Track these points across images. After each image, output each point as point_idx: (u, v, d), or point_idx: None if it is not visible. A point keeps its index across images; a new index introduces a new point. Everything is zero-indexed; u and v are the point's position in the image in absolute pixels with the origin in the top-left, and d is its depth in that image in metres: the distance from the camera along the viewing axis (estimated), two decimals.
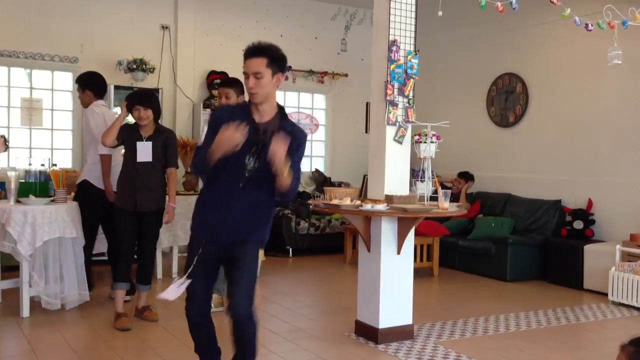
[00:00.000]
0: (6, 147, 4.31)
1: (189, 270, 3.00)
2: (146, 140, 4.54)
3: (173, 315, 4.75)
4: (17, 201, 4.72)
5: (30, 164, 5.49)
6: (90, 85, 5.26)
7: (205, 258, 2.99)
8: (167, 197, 4.75)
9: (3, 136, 4.37)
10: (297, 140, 2.96)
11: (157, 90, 7.22)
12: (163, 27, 7.69)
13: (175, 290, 2.99)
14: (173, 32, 7.74)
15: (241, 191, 2.92)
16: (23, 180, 5.29)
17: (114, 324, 4.50)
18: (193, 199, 6.15)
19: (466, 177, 7.66)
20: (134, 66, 7.18)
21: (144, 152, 4.51)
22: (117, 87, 6.91)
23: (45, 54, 6.97)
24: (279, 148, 2.72)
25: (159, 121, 4.76)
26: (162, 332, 4.41)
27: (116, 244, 4.72)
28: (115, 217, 4.62)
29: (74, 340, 4.17)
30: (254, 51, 2.93)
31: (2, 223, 4.52)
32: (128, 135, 4.56)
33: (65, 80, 7.25)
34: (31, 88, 7.11)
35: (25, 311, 4.63)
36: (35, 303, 4.76)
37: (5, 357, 3.90)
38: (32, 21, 6.93)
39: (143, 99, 4.56)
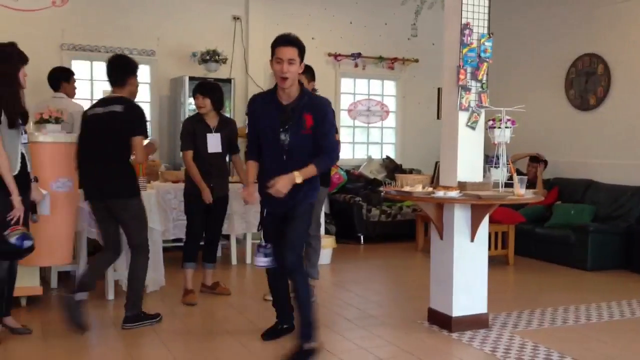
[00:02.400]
0: None
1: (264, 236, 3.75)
2: (215, 132, 4.82)
3: (243, 296, 4.87)
4: None
5: None
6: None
7: (269, 223, 3.70)
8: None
9: None
10: (319, 111, 3.52)
11: (229, 80, 7.38)
12: (234, 18, 7.83)
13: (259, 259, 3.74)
14: (244, 22, 7.87)
15: (285, 163, 3.49)
16: None
17: (182, 299, 4.80)
18: None
19: (539, 162, 7.39)
20: (207, 57, 7.36)
21: (214, 143, 4.82)
22: (191, 79, 7.09)
23: (125, 47, 7.24)
24: (277, 192, 3.41)
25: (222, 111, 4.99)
26: (233, 313, 4.53)
27: (188, 227, 4.93)
28: (190, 203, 4.86)
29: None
30: (288, 41, 3.47)
31: (89, 210, 4.76)
32: (195, 127, 4.82)
33: (143, 73, 7.51)
34: None
35: (111, 294, 4.88)
36: (118, 286, 5.00)
37: (93, 336, 4.12)
38: (112, 17, 7.22)
39: (203, 88, 4.84)
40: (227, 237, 6.30)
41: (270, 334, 3.98)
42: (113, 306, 4.74)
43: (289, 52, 3.43)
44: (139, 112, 4.14)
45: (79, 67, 7.22)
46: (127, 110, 4.06)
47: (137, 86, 4.29)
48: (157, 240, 5.07)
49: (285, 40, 3.45)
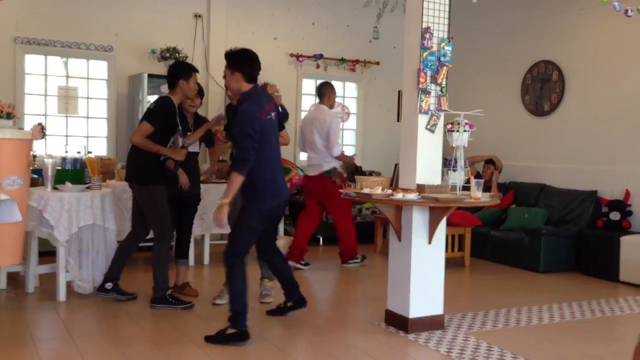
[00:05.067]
0: (43, 135, 4.40)
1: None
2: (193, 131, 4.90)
3: (204, 302, 4.82)
4: (54, 188, 4.82)
5: (66, 152, 5.59)
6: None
7: None
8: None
9: (40, 124, 4.44)
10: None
11: None
12: (196, 15, 7.74)
13: None
14: (205, 20, 7.78)
15: None
16: (59, 168, 5.40)
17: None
18: (224, 187, 6.24)
19: (494, 164, 7.55)
20: (167, 54, 7.24)
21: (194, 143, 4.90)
22: (150, 76, 6.97)
23: (81, 42, 7.08)
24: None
25: None
26: (193, 317, 4.47)
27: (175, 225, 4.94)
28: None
29: (108, 324, 4.26)
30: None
31: (40, 209, 4.63)
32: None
33: (101, 69, 7.35)
34: (67, 76, 7.24)
35: (62, 295, 4.75)
36: (71, 287, 4.87)
37: (43, 339, 4.01)
38: (68, 10, 7.04)
39: (200, 89, 4.92)
40: None
41: (274, 312, 4.48)
42: (64, 308, 4.60)
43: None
44: (158, 102, 4.65)
45: (33, 62, 7.02)
46: (154, 102, 4.73)
47: (190, 87, 4.68)
48: (112, 240, 4.97)
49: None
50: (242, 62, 3.98)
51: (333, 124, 6.18)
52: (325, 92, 6.45)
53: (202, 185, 6.06)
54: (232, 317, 3.89)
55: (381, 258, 6.83)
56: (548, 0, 7.29)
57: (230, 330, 3.87)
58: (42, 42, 6.91)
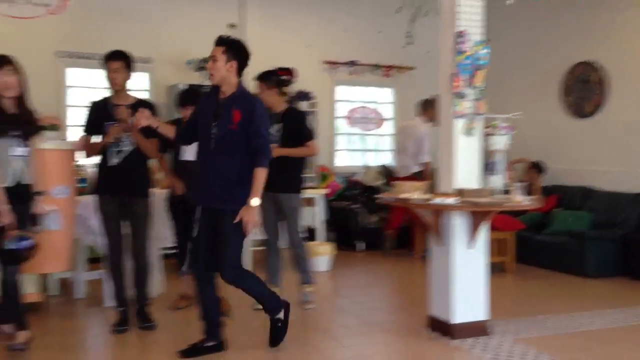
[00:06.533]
0: None
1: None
2: None
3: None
4: None
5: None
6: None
7: (202, 221, 3.68)
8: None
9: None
10: (248, 107, 3.59)
11: None
12: (230, 25, 7.83)
13: None
14: (240, 30, 7.87)
15: (211, 156, 3.60)
16: None
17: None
18: None
19: (538, 168, 7.42)
20: (203, 65, 7.35)
21: (192, 151, 4.61)
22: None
23: None
24: (252, 224, 3.58)
25: None
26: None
27: (178, 233, 4.79)
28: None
29: (151, 330, 4.30)
30: (216, 41, 3.66)
31: (86, 217, 4.73)
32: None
33: (142, 80, 7.50)
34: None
35: (109, 301, 4.83)
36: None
37: (91, 345, 4.09)
38: (109, 25, 7.21)
39: (193, 97, 4.60)
40: None
41: (191, 352, 3.72)
42: (112, 313, 4.68)
43: (213, 50, 3.64)
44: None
45: (75, 75, 7.21)
46: None
47: (109, 77, 4.36)
48: (155, 245, 5.01)
49: (216, 40, 3.68)
50: (242, 53, 3.64)
51: (426, 136, 6.99)
52: (426, 106, 7.20)
53: None
54: (272, 304, 3.87)
55: (421, 263, 6.75)
56: (586, 0, 7.16)
57: (280, 315, 3.88)
58: (83, 55, 7.09)
